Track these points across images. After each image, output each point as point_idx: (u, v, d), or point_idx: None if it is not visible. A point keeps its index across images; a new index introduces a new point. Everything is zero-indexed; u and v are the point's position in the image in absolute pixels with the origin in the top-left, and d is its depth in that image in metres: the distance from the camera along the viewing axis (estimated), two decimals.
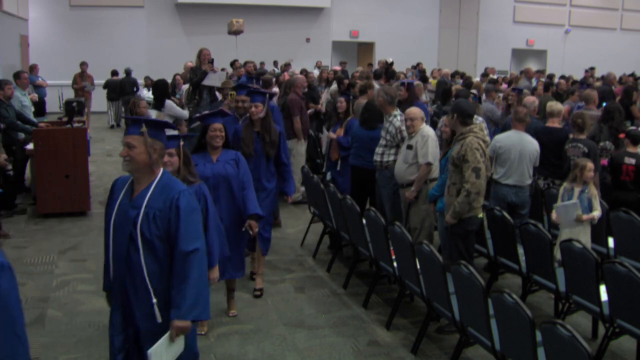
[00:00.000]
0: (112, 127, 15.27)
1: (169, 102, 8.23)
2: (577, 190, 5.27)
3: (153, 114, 7.96)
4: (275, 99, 9.28)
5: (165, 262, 2.93)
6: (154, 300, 2.91)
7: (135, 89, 14.58)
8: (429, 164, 5.53)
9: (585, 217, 5.17)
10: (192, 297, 2.86)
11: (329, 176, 7.26)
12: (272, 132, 5.29)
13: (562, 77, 14.96)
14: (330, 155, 7.17)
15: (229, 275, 4.65)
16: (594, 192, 5.28)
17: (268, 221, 5.45)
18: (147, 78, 14.37)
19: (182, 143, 3.73)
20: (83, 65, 14.46)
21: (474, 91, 9.31)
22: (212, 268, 3.71)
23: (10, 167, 7.52)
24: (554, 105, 6.84)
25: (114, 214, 2.99)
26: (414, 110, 5.74)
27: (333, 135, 7.02)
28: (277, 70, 14.96)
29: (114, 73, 15.24)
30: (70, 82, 14.58)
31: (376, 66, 15.06)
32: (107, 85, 15.16)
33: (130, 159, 2.94)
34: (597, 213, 5.22)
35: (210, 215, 3.76)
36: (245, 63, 12.44)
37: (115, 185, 3.12)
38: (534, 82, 12.73)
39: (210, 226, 3.74)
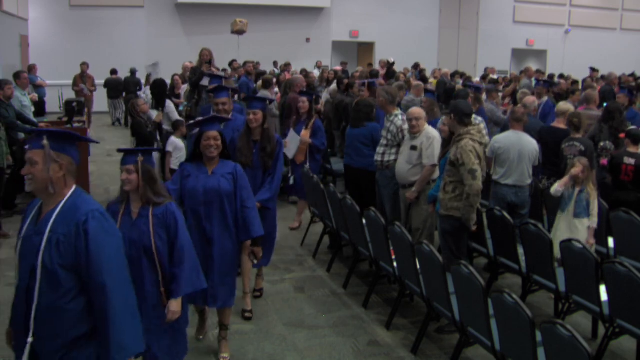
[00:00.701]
0: (113, 124, 15.66)
1: (169, 103, 8.25)
2: (577, 189, 5.26)
3: (154, 114, 7.98)
4: (276, 100, 9.29)
5: (70, 296, 2.50)
6: (29, 340, 2.50)
7: (138, 88, 14.71)
8: (434, 166, 5.53)
9: (592, 240, 5.16)
10: (117, 337, 2.51)
11: (291, 180, 7.03)
12: (272, 142, 4.95)
13: (561, 76, 14.97)
14: (295, 158, 6.91)
15: (219, 304, 4.10)
16: (592, 193, 5.23)
17: (270, 237, 5.07)
18: (149, 76, 14.41)
19: (140, 158, 3.27)
20: (83, 65, 14.43)
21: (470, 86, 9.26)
22: (175, 299, 3.28)
23: (8, 172, 7.49)
24: (561, 105, 6.93)
25: (19, 243, 2.62)
26: (418, 110, 5.74)
27: (309, 141, 6.74)
28: (277, 71, 14.97)
29: (113, 72, 15.41)
30: (70, 82, 14.58)
31: (376, 66, 15.05)
32: (107, 84, 15.29)
33: (32, 177, 2.53)
34: (593, 222, 5.18)
35: (179, 239, 3.28)
36: (245, 63, 12.45)
37: (27, 209, 2.73)
38: (533, 82, 12.72)
39: (177, 253, 3.28)
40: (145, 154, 3.32)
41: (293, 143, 6.88)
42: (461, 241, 4.93)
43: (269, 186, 4.93)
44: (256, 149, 4.91)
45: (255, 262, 4.16)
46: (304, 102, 6.85)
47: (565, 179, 5.34)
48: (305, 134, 6.65)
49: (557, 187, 5.35)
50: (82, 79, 14.45)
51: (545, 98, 9.06)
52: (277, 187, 5.02)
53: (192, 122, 4.86)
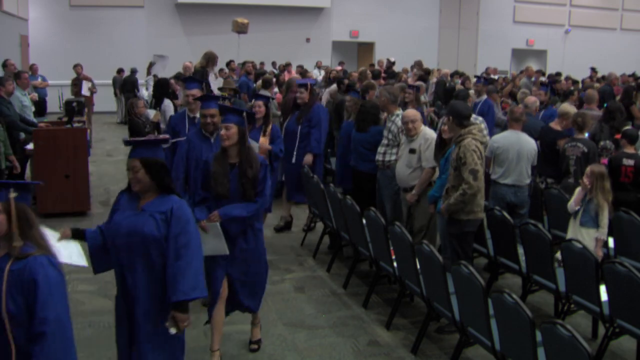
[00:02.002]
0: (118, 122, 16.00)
1: (166, 103, 8.24)
2: (586, 198, 5.08)
3: (151, 113, 7.98)
4: (276, 102, 9.27)
5: None
6: None
7: (135, 89, 14.82)
8: (434, 168, 5.52)
9: (600, 252, 4.98)
10: None
11: None
12: (254, 164, 3.92)
13: (558, 74, 14.98)
14: None
15: None
16: (603, 204, 4.99)
17: (259, 280, 4.20)
18: (154, 76, 14.43)
19: (12, 195, 2.43)
20: (77, 67, 14.11)
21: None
22: None
23: (7, 172, 7.47)
24: (562, 107, 6.99)
25: None
26: (413, 112, 5.73)
27: (269, 147, 6.08)
28: (276, 71, 14.97)
29: (120, 71, 15.80)
30: (69, 82, 14.56)
31: (376, 66, 15.04)
32: (113, 83, 15.79)
33: None
34: (602, 233, 5.00)
35: (37, 311, 2.40)
36: (244, 63, 12.43)
37: None
38: (531, 81, 12.74)
39: (35, 332, 2.40)
40: (19, 189, 2.46)
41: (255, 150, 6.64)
42: (467, 244, 4.92)
43: (245, 204, 3.93)
44: (233, 174, 3.93)
45: (174, 331, 3.07)
46: (259, 107, 6.14)
47: (579, 194, 5.18)
48: (264, 140, 6.10)
49: (572, 203, 5.22)
50: (78, 81, 14.36)
51: (484, 97, 8.74)
52: (257, 209, 3.99)
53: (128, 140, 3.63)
